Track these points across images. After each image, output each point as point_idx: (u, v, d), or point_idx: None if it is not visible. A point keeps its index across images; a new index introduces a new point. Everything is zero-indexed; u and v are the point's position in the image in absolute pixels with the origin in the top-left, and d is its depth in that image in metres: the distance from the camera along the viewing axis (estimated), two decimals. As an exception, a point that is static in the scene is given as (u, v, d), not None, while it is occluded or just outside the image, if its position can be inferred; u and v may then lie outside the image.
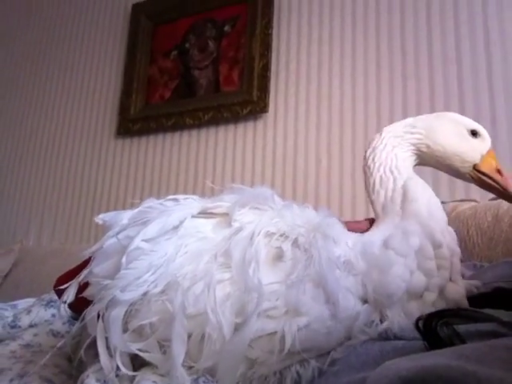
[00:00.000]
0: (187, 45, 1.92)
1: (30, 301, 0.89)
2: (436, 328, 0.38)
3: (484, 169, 0.56)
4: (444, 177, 1.33)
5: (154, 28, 2.01)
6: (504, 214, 0.82)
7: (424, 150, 0.57)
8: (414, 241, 0.48)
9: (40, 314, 0.81)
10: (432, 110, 1.41)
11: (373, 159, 0.57)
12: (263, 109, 1.68)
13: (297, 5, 1.74)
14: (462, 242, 0.84)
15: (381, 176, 0.55)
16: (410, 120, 0.59)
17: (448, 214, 0.92)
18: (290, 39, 1.72)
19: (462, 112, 1.34)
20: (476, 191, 1.26)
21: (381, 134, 0.58)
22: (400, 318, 0.45)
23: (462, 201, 0.98)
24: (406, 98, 1.48)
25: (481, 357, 0.31)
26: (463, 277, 0.66)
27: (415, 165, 0.59)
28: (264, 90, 1.68)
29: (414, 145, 0.57)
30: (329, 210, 0.55)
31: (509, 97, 1.33)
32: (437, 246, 0.49)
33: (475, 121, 0.59)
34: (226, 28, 1.85)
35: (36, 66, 2.30)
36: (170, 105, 1.87)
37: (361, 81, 1.56)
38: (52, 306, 0.81)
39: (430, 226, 0.50)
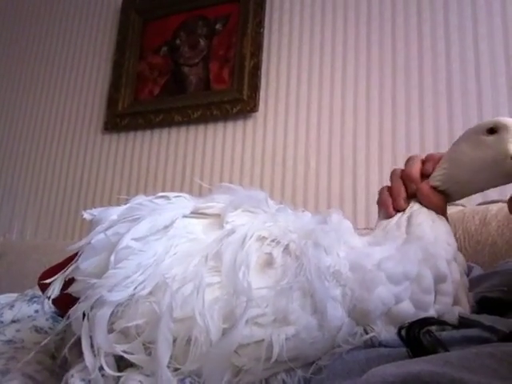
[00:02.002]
0: (178, 41, 1.91)
1: (12, 296, 0.88)
2: (419, 336, 0.38)
3: None
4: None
5: (144, 24, 1.99)
6: (491, 219, 0.83)
7: (453, 180, 0.51)
8: (411, 269, 0.45)
9: (23, 310, 0.80)
10: (421, 107, 1.43)
11: None
12: (253, 108, 1.67)
13: (288, 5, 1.74)
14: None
15: None
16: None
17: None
18: (282, 39, 1.72)
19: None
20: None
21: None
22: (384, 330, 0.44)
23: (449, 205, 0.99)
24: (395, 97, 1.49)
25: (466, 364, 0.31)
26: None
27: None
28: (254, 89, 1.68)
29: (442, 181, 0.52)
30: (341, 213, 0.53)
31: None
32: (440, 279, 0.45)
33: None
34: (218, 26, 1.85)
35: (23, 60, 2.26)
36: (158, 101, 1.86)
37: (351, 82, 1.57)
38: (35, 301, 0.79)
39: (436, 254, 0.46)
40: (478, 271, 0.68)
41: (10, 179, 2.10)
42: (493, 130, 0.49)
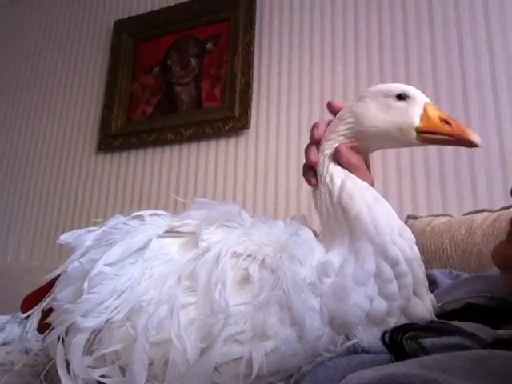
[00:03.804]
0: (169, 61, 1.93)
1: (3, 318, 0.87)
2: (401, 342, 0.38)
3: (426, 127, 0.49)
4: (421, 192, 1.35)
5: (136, 45, 2.02)
6: (477, 228, 0.83)
7: (360, 136, 0.52)
8: (369, 265, 0.45)
9: (14, 332, 0.80)
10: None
11: (320, 169, 0.53)
12: (245, 125, 1.69)
13: (278, 24, 1.77)
14: (437, 254, 0.86)
15: (320, 190, 0.51)
16: (339, 114, 0.55)
17: (424, 228, 0.94)
18: (272, 57, 1.75)
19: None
20: (453, 206, 1.29)
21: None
22: (367, 333, 0.44)
23: (437, 215, 1.00)
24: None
25: (442, 365, 0.31)
26: (436, 287, 0.66)
27: (370, 152, 0.55)
28: (245, 106, 1.70)
29: (347, 137, 0.52)
30: (301, 219, 0.53)
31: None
32: (394, 263, 0.45)
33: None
34: (208, 46, 1.87)
35: (17, 82, 2.29)
36: (151, 120, 1.88)
37: (340, 98, 1.58)
38: (24, 323, 0.79)
39: (381, 242, 0.45)
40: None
41: (5, 200, 2.11)
42: (401, 97, 0.50)
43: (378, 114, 0.51)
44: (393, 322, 0.45)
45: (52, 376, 0.47)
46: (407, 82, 1.43)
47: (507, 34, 1.40)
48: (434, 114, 0.50)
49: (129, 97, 1.95)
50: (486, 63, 1.40)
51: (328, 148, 0.53)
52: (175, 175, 1.79)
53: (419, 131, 0.50)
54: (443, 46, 1.47)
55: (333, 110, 0.58)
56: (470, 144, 0.48)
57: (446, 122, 0.49)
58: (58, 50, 2.23)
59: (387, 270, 0.45)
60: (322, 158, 0.53)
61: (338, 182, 0.50)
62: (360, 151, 0.54)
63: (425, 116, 0.50)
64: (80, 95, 2.09)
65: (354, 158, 0.52)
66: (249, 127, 1.69)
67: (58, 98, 2.15)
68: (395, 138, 0.51)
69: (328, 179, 0.51)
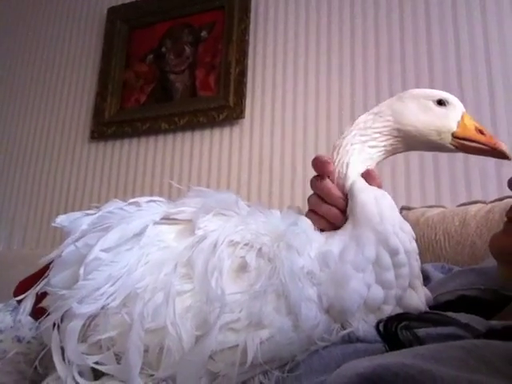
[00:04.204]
0: (163, 49, 1.92)
1: (-4, 306, 0.87)
2: (396, 331, 0.38)
3: (463, 134, 0.53)
4: (415, 184, 1.36)
5: (130, 32, 1.99)
6: (470, 219, 0.84)
7: (397, 134, 0.53)
8: (369, 252, 0.46)
9: (6, 320, 0.80)
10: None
11: (338, 150, 0.54)
12: (239, 114, 1.68)
13: (273, 13, 1.76)
14: (430, 245, 0.86)
15: (338, 171, 0.52)
16: (375, 109, 0.56)
17: (418, 219, 0.94)
18: (267, 46, 1.74)
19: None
20: (446, 197, 1.30)
21: (351, 129, 0.55)
22: (363, 323, 0.44)
23: (431, 207, 1.00)
24: (380, 100, 1.50)
25: (436, 355, 0.32)
26: (428, 281, 0.66)
27: (387, 156, 0.55)
28: (240, 95, 1.69)
29: (386, 134, 0.53)
30: (297, 208, 0.53)
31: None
32: (394, 253, 0.46)
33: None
34: (203, 34, 1.86)
35: (9, 69, 2.25)
36: (145, 109, 1.86)
37: (336, 87, 1.58)
38: (17, 311, 0.79)
39: (384, 230, 0.47)
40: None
41: (-3, 189, 2.09)
42: (441, 102, 0.53)
43: (418, 115, 0.53)
44: (388, 310, 0.46)
45: (46, 363, 0.47)
46: (403, 76, 1.45)
47: (504, 28, 1.39)
48: (470, 123, 0.53)
49: (122, 85, 1.93)
50: (482, 54, 1.40)
51: (358, 142, 0.53)
52: (169, 164, 1.78)
53: (455, 136, 0.53)
54: (439, 41, 1.47)
55: (319, 169, 0.54)
56: (503, 155, 0.52)
57: (481, 132, 0.52)
58: (50, 37, 2.20)
59: (386, 258, 0.46)
60: (348, 147, 0.53)
61: (352, 175, 0.52)
62: (388, 151, 0.55)
63: (462, 123, 0.53)
64: (73, 83, 2.07)
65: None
66: (243, 117, 1.68)
67: (51, 86, 2.12)
68: (431, 140, 0.53)
69: (345, 169, 0.52)
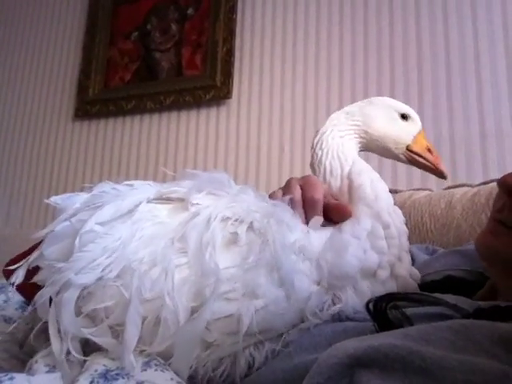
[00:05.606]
0: (149, 26, 1.88)
1: (-20, 287, 0.86)
2: (385, 310, 0.39)
3: (416, 149, 0.59)
4: (402, 167, 1.37)
5: (115, 8, 1.95)
6: (456, 202, 0.85)
7: (363, 135, 0.59)
8: (365, 223, 0.50)
9: (-9, 300, 0.79)
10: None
11: (320, 146, 0.58)
12: (226, 94, 1.66)
13: (261, -10, 1.73)
14: (416, 227, 0.87)
15: (330, 163, 0.56)
16: (347, 108, 0.61)
17: (404, 202, 0.95)
18: (255, 25, 1.71)
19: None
20: (432, 181, 1.31)
21: (326, 123, 0.60)
22: (352, 300, 0.46)
23: (417, 189, 1.01)
24: (367, 84, 1.50)
25: (425, 336, 0.32)
26: (413, 262, 0.68)
27: (359, 151, 0.61)
28: (227, 75, 1.67)
29: (355, 132, 0.59)
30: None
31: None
32: (385, 226, 0.50)
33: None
34: (189, 11, 1.82)
35: (-12, 42, 2.19)
36: (130, 87, 1.83)
37: (324, 68, 1.57)
38: (3, 291, 0.78)
39: (378, 208, 0.51)
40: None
41: (-22, 168, 2.05)
42: (404, 116, 0.59)
43: (384, 122, 0.59)
44: (383, 276, 0.49)
45: (34, 342, 0.46)
46: (391, 66, 1.44)
47: (493, 25, 1.39)
48: (423, 141, 0.59)
49: (106, 62, 1.90)
50: (471, 41, 1.40)
51: (338, 137, 0.58)
52: (155, 144, 1.76)
53: (409, 149, 0.59)
54: (428, 36, 1.47)
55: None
56: (441, 175, 0.59)
57: (429, 151, 0.59)
58: (32, 10, 2.13)
59: (379, 229, 0.50)
60: (337, 134, 0.58)
61: (350, 159, 0.57)
62: (358, 148, 0.61)
63: (418, 139, 0.59)
64: (56, 59, 2.02)
65: None
66: (230, 97, 1.66)
67: (33, 62, 2.07)
68: (388, 147, 0.59)
69: (341, 155, 0.57)
